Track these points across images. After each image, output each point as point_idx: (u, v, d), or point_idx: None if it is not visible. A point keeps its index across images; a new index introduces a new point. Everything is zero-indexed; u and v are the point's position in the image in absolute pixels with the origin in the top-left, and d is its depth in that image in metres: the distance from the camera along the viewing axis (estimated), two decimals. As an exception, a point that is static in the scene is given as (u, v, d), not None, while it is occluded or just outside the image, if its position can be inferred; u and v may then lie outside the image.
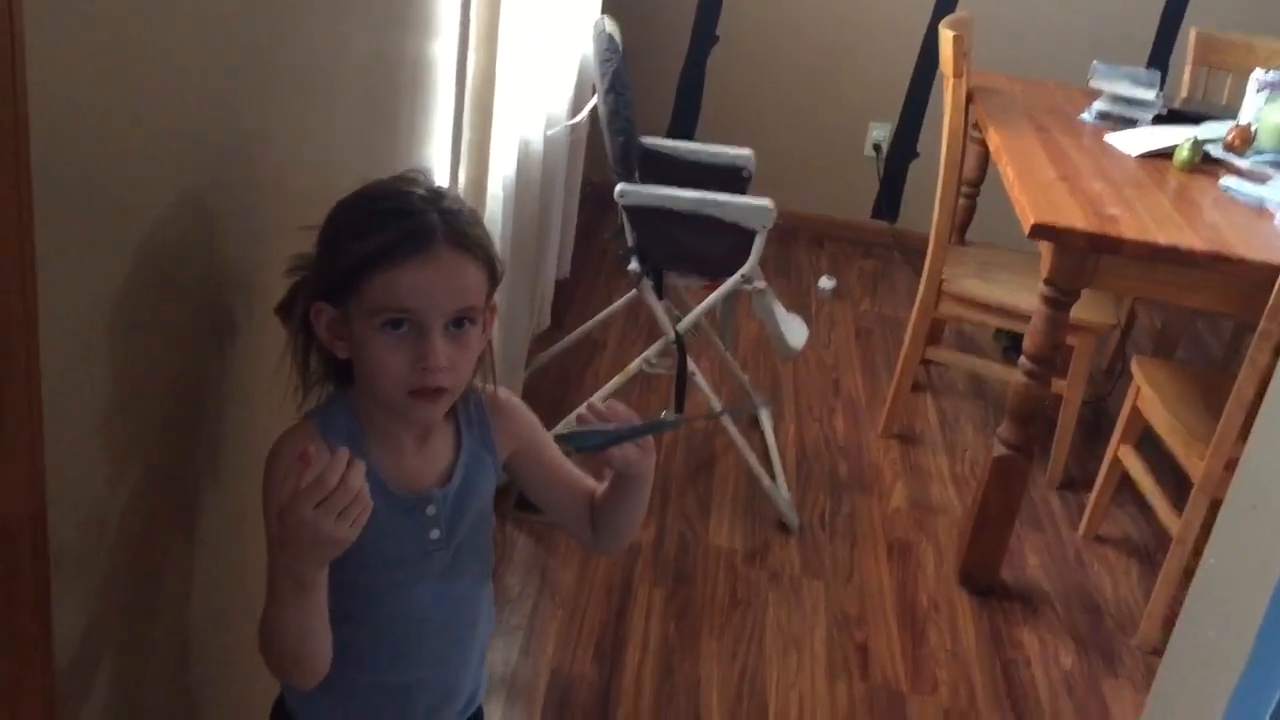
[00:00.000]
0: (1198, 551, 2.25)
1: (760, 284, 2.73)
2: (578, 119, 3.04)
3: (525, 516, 2.57)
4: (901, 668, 2.36)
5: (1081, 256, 2.33)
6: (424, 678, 1.21)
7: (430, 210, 1.08)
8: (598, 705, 2.15)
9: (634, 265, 2.74)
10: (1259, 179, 2.73)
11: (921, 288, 3.07)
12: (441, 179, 1.96)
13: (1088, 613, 2.61)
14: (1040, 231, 2.28)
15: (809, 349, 3.22)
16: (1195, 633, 1.29)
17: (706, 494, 2.82)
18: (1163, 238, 2.29)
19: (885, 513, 2.87)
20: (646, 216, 2.67)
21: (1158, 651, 2.47)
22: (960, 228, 3.39)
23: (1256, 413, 1.33)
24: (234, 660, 1.31)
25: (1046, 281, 2.39)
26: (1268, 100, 2.97)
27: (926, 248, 3.05)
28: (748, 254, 2.66)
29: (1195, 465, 2.40)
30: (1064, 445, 3.06)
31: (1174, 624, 1.38)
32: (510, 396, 1.27)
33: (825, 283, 4.11)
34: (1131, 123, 3.09)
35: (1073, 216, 2.32)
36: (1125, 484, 2.81)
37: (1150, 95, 3.12)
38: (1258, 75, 3.04)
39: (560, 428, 2.50)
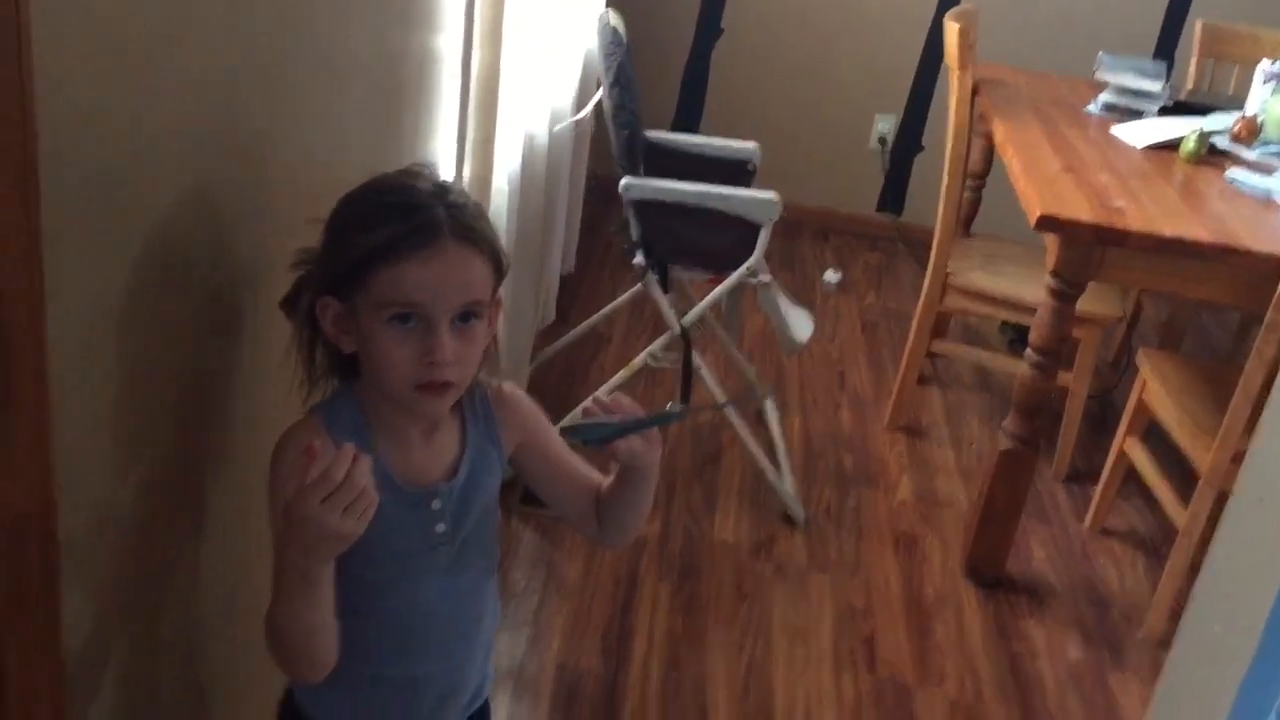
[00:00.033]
0: (1204, 544, 2.24)
1: (765, 277, 2.72)
2: (583, 114, 3.04)
3: (531, 511, 2.58)
4: (908, 660, 2.36)
5: (1087, 248, 2.32)
6: (430, 671, 1.22)
7: (436, 204, 1.08)
8: (604, 699, 2.15)
9: (639, 259, 2.74)
10: (1265, 170, 2.73)
11: (927, 280, 3.06)
12: (447, 174, 1.96)
13: (1094, 605, 2.61)
14: (1046, 223, 2.28)
15: (814, 342, 3.22)
16: (1203, 625, 1.29)
17: (712, 488, 2.82)
18: (1169, 229, 2.29)
19: (891, 506, 2.87)
20: (651, 210, 2.67)
21: (1164, 644, 2.46)
22: (965, 220, 3.39)
23: (1263, 405, 1.32)
24: (242, 653, 1.31)
25: (1052, 274, 2.38)
26: (1274, 91, 2.96)
27: (931, 241, 3.05)
28: (753, 247, 2.66)
29: (1201, 458, 2.39)
30: (1070, 438, 3.06)
31: (1181, 616, 1.38)
32: (515, 390, 1.27)
33: (830, 276, 4.11)
34: (1137, 114, 3.08)
35: (1079, 208, 2.32)
36: (1131, 477, 2.81)
37: (1156, 87, 3.11)
38: (1264, 66, 3.03)
39: (566, 421, 2.50)
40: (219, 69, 1.11)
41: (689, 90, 4.46)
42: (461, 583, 1.21)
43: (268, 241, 1.22)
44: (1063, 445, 3.07)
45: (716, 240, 2.72)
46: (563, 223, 3.24)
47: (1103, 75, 3.18)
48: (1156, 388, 2.61)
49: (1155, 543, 2.85)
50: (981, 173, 3.37)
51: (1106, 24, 4.16)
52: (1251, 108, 3.00)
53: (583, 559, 2.50)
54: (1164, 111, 3.10)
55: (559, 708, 2.12)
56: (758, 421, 3.05)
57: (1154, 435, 2.71)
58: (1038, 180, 2.46)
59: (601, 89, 2.73)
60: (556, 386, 3.06)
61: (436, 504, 1.16)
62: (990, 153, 3.30)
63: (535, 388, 2.84)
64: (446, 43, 1.89)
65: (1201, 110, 3.09)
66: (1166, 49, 4.21)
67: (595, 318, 3.17)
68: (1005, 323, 3.60)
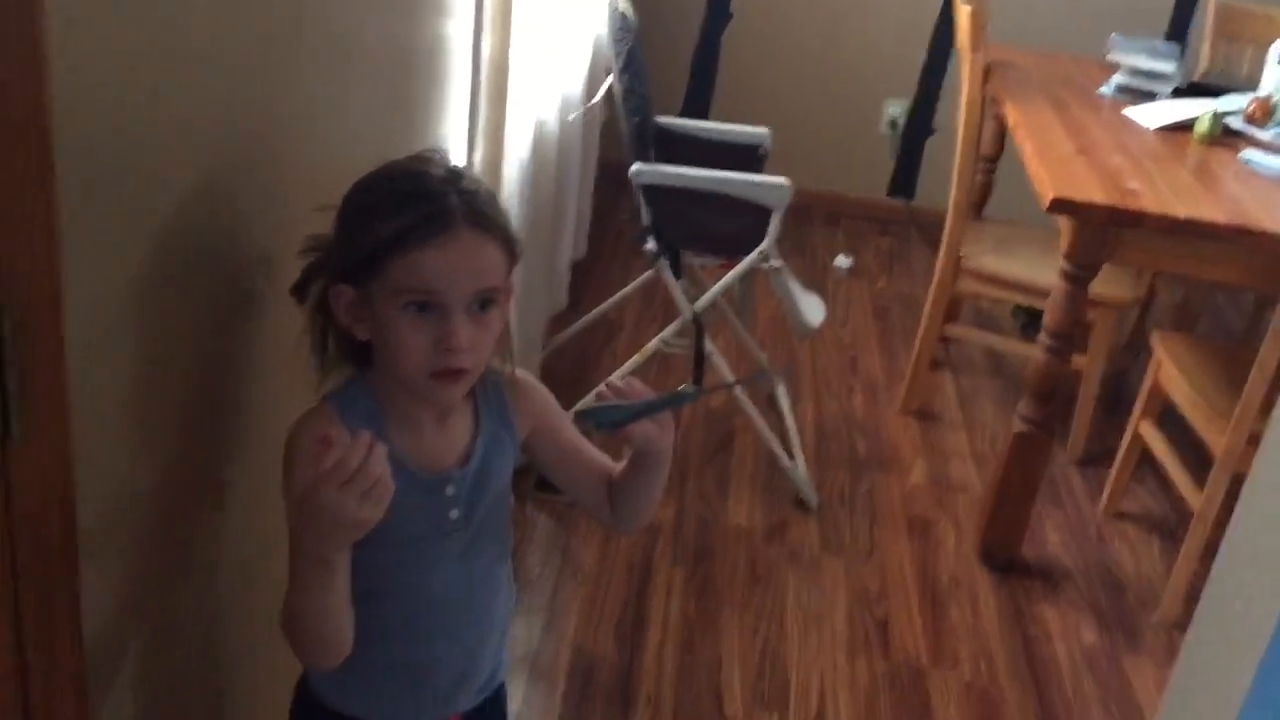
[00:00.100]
0: (1219, 526, 2.24)
1: (777, 262, 2.72)
2: (594, 101, 3.04)
3: (545, 497, 2.58)
4: (922, 644, 2.36)
5: (1101, 231, 2.31)
6: (444, 656, 1.22)
7: (449, 191, 1.08)
8: (619, 684, 2.16)
9: (650, 245, 2.74)
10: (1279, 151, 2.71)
11: (939, 264, 3.06)
12: (457, 161, 1.96)
13: (1109, 589, 2.61)
14: (1060, 206, 2.27)
15: (826, 327, 3.21)
16: (1220, 606, 1.28)
17: (725, 473, 2.83)
18: (1183, 211, 2.28)
19: (905, 490, 2.87)
20: (662, 196, 2.66)
21: (1179, 627, 2.46)
22: (978, 204, 3.37)
23: (1279, 386, 1.32)
24: (259, 638, 1.32)
25: (1066, 257, 2.37)
26: (1288, 71, 2.94)
27: (943, 225, 3.04)
28: (764, 233, 2.65)
29: (1217, 440, 2.38)
30: (1084, 421, 3.05)
31: (1196, 600, 1.38)
32: (528, 377, 1.27)
33: (842, 261, 4.10)
34: (1150, 96, 3.06)
35: (1092, 190, 2.31)
36: (1146, 460, 2.80)
37: (1169, 68, 3.10)
38: (1278, 47, 3.01)
39: (579, 406, 2.51)
40: (231, 58, 1.11)
41: (699, 76, 4.45)
42: (475, 568, 1.21)
43: (281, 228, 1.22)
44: (1077, 428, 3.06)
45: (728, 226, 2.71)
46: (574, 209, 3.24)
47: (1115, 57, 3.16)
48: (1171, 370, 2.60)
49: (1170, 526, 2.84)
50: (993, 156, 3.35)
51: (1119, 5, 4.13)
52: (1265, 88, 2.98)
53: (597, 544, 2.51)
54: (1177, 93, 3.08)
55: (574, 692, 2.12)
56: (770, 407, 3.05)
57: (1168, 418, 2.70)
58: (1051, 163, 2.45)
59: (611, 75, 2.72)
60: (568, 373, 3.06)
61: (450, 490, 1.17)
62: (1002, 135, 3.29)
63: (547, 374, 2.84)
64: (456, 29, 1.89)
65: (1215, 91, 3.07)
66: (1179, 30, 4.18)
67: (607, 304, 3.17)
68: (1018, 306, 3.59)
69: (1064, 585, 2.60)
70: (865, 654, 2.31)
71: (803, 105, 4.39)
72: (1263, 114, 2.86)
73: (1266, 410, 2.25)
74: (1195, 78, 3.26)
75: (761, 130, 3.00)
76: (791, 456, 2.80)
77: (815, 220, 4.42)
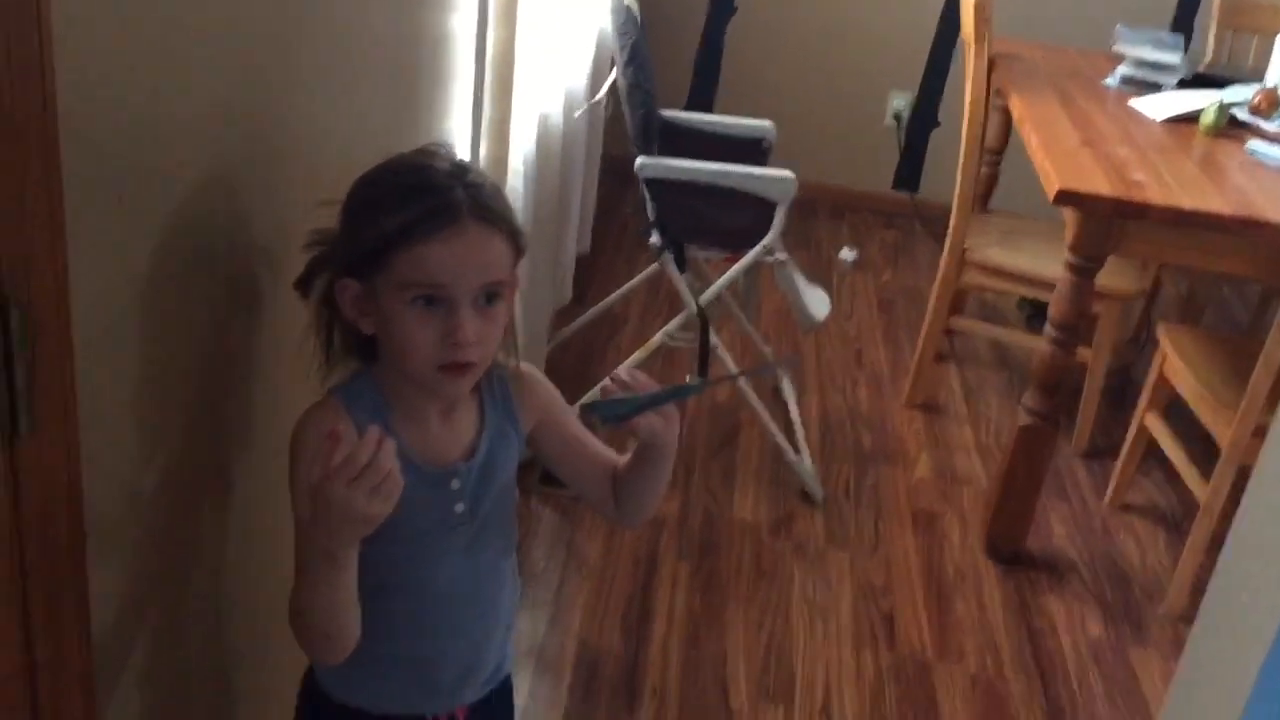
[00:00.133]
0: (1225, 519, 2.24)
1: (782, 255, 2.72)
2: (600, 95, 3.03)
3: (550, 491, 2.58)
4: (928, 637, 2.36)
5: (1107, 222, 2.31)
6: (449, 649, 1.22)
7: (455, 185, 1.08)
8: (625, 677, 2.16)
9: (655, 239, 2.74)
10: (1286, 142, 2.70)
11: (944, 256, 3.05)
12: (463, 155, 1.96)
13: (1115, 581, 2.60)
14: (1065, 198, 2.27)
15: (831, 320, 3.22)
16: (1228, 597, 1.28)
17: (730, 467, 2.83)
18: (1189, 202, 2.27)
19: (910, 483, 2.87)
20: (667, 189, 2.66)
21: (1185, 619, 2.46)
22: (983, 196, 3.37)
23: (1287, 377, 1.31)
24: (267, 631, 1.32)
25: (1071, 248, 2.37)
26: (1294, 62, 2.93)
27: (948, 218, 3.03)
28: (769, 226, 2.65)
29: (1223, 432, 2.38)
30: (1089, 414, 3.05)
31: (1202, 592, 1.38)
32: (532, 370, 1.27)
33: (846, 254, 4.09)
34: (1156, 87, 3.06)
35: (1097, 182, 2.30)
36: (1151, 452, 2.80)
37: (1175, 59, 3.09)
38: (1284, 37, 3.01)
39: (585, 399, 2.51)
40: (235, 51, 1.11)
41: (703, 69, 4.44)
42: (480, 562, 1.21)
43: (284, 224, 1.22)
44: (1082, 421, 3.06)
45: (733, 219, 2.71)
46: (578, 203, 3.24)
47: (1120, 48, 3.15)
48: (1177, 362, 2.59)
49: (1176, 518, 2.84)
50: (998, 148, 3.35)
51: (1124, -4, 4.12)
52: (1271, 79, 2.97)
53: (602, 538, 2.51)
54: (1183, 84, 3.07)
55: (580, 685, 2.13)
56: (775, 400, 3.05)
57: (1174, 410, 2.70)
58: (1056, 154, 2.44)
59: (616, 68, 2.72)
60: (573, 367, 3.07)
61: (456, 484, 1.17)
62: (1007, 128, 3.29)
63: (552, 368, 2.84)
64: (461, 23, 1.89)
65: (1220, 82, 3.06)
66: (1184, 21, 4.17)
67: (612, 298, 3.17)
68: (1023, 299, 3.58)
69: (1069, 578, 2.60)
70: (871, 647, 2.32)
71: (807, 98, 4.38)
72: (1268, 105, 2.85)
73: (1272, 402, 2.25)
74: (1200, 69, 3.25)
75: (766, 123, 2.99)
76: (797, 450, 2.80)
77: (820, 213, 4.42)
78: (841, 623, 2.37)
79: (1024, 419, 2.52)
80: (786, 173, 2.63)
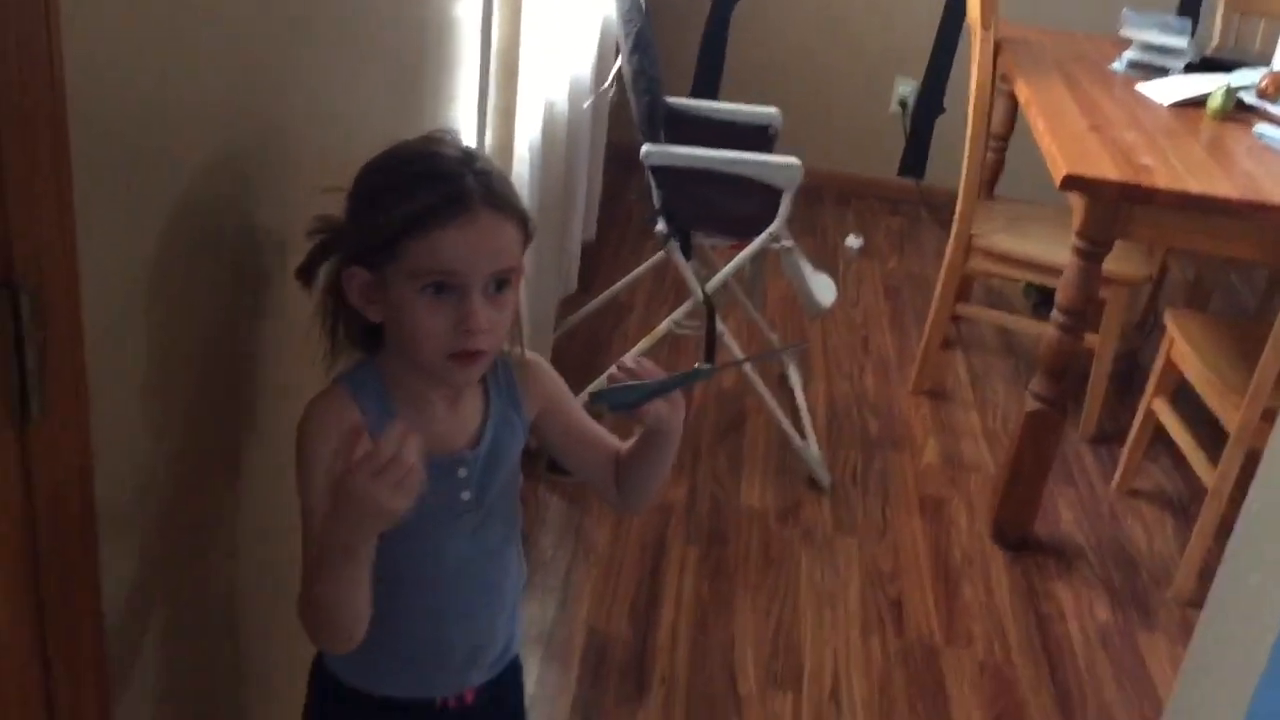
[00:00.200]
0: (1233, 503, 2.24)
1: (788, 242, 2.71)
2: (608, 84, 3.03)
3: (558, 478, 2.59)
4: (936, 622, 2.37)
5: (1114, 207, 2.30)
6: (456, 634, 1.23)
7: (465, 172, 1.07)
8: (634, 663, 2.16)
9: (661, 226, 2.73)
10: (1294, 126, 2.69)
11: (950, 243, 3.05)
12: (469, 143, 1.96)
13: (1122, 566, 2.60)
14: (1072, 182, 2.26)
15: (837, 307, 3.21)
16: (1237, 581, 1.28)
17: (737, 453, 2.83)
18: (1197, 187, 2.26)
19: (917, 469, 2.87)
20: (673, 177, 2.66)
21: (1193, 604, 2.46)
22: (989, 182, 3.36)
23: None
24: (278, 615, 1.32)
25: (1079, 233, 2.36)
26: (1302, 45, 2.92)
27: (954, 204, 3.03)
28: (775, 213, 2.65)
29: (1231, 416, 2.38)
30: (1097, 399, 3.04)
31: (1209, 577, 1.38)
32: (536, 358, 1.27)
33: (852, 241, 4.09)
34: (1163, 71, 3.04)
35: (1105, 167, 2.30)
36: (1158, 437, 2.80)
37: (1181, 43, 3.08)
38: (1292, 20, 2.99)
39: (592, 388, 2.51)
40: (242, 37, 1.11)
41: (708, 56, 4.43)
42: (486, 548, 1.22)
43: (292, 210, 1.22)
44: (1089, 407, 3.05)
45: (739, 206, 2.71)
46: (583, 191, 3.24)
47: (1127, 32, 3.14)
48: (1184, 347, 2.59)
49: (1183, 503, 2.84)
50: (1004, 134, 3.34)
51: (1130, -19, 4.10)
52: (1278, 63, 2.96)
53: (611, 525, 2.51)
54: (1190, 68, 3.06)
55: (588, 672, 2.13)
56: (781, 387, 3.05)
57: (1181, 395, 2.69)
58: (1063, 139, 2.44)
59: (621, 55, 2.71)
60: (579, 355, 3.07)
61: (462, 472, 1.17)
62: (1013, 113, 3.28)
63: (558, 357, 2.84)
64: (467, 9, 1.89)
65: (1228, 66, 3.05)
66: (1191, 4, 4.15)
67: (617, 286, 3.17)
68: (1029, 285, 3.58)
69: (1077, 563, 2.60)
70: (879, 633, 2.32)
71: (812, 85, 4.37)
72: (1276, 89, 2.84)
73: (1281, 386, 2.25)
74: (1208, 53, 3.24)
75: (772, 110, 2.99)
76: (804, 436, 2.80)
77: (825, 200, 4.41)
78: (849, 608, 2.37)
79: (1031, 405, 2.51)
80: (793, 159, 2.62)
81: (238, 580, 1.29)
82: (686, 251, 2.77)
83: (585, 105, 2.76)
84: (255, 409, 1.26)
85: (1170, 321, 2.69)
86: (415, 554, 1.17)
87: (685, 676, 2.15)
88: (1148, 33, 3.10)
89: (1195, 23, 3.56)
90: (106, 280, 0.91)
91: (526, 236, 1.13)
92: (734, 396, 3.03)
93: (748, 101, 3.08)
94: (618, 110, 3.20)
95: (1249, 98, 2.83)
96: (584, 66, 2.91)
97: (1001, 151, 3.37)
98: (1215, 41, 3.53)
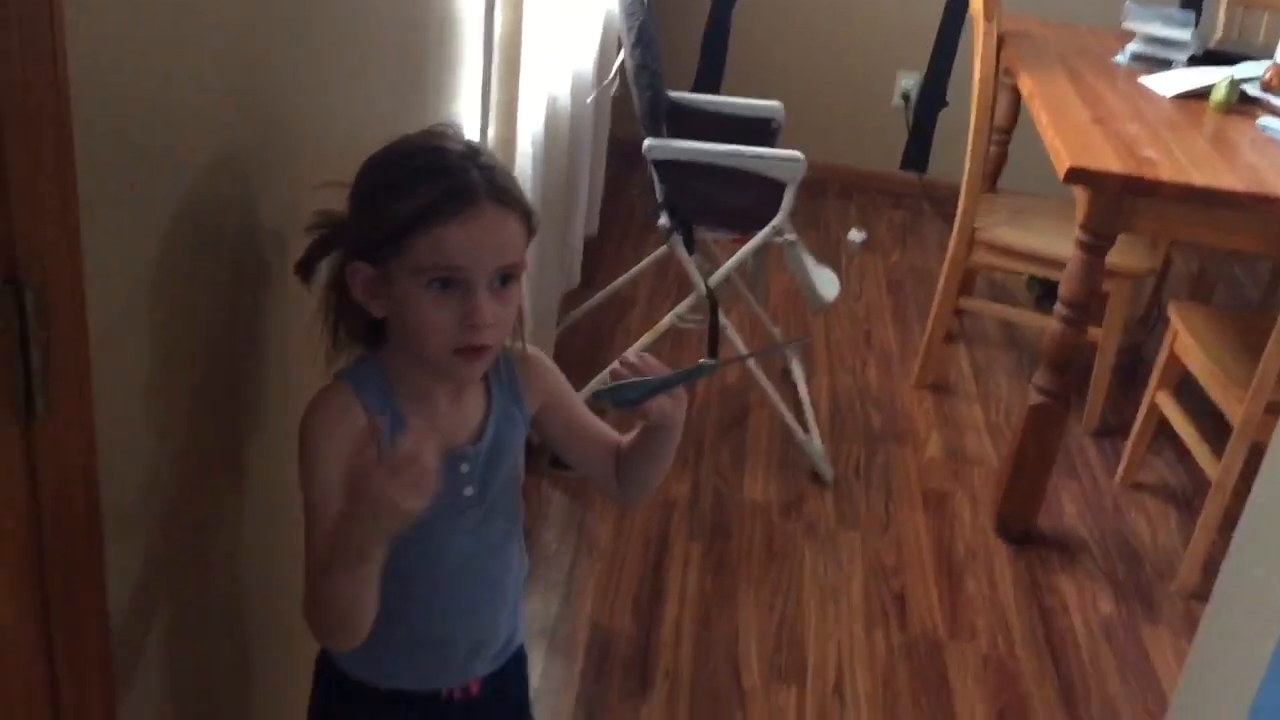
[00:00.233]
0: (1237, 496, 2.24)
1: (790, 236, 2.71)
2: (610, 79, 3.02)
3: (560, 474, 2.59)
4: (939, 616, 2.37)
5: (1118, 200, 2.30)
6: (460, 628, 1.23)
7: (469, 167, 1.07)
8: (637, 657, 2.17)
9: (664, 220, 2.73)
10: (1298, 118, 2.69)
11: (954, 236, 3.04)
12: (472, 137, 1.95)
13: (1126, 559, 2.60)
14: (1076, 175, 2.26)
15: (840, 301, 3.21)
16: (1243, 572, 1.28)
17: (740, 448, 2.83)
18: (1200, 179, 2.26)
19: (920, 463, 2.87)
20: (675, 171, 2.66)
21: (1197, 597, 2.46)
22: (992, 175, 3.35)
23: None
24: (283, 611, 1.32)
25: (1082, 226, 2.36)
26: (1306, 37, 2.91)
27: (956, 198, 3.02)
28: (777, 207, 2.64)
29: (1234, 409, 2.38)
30: (1100, 392, 3.04)
31: (1213, 570, 1.38)
32: (537, 353, 1.27)
33: (855, 235, 4.08)
34: (1166, 64, 3.04)
35: (1108, 159, 2.29)
36: (1162, 430, 2.79)
37: (1185, 35, 3.07)
38: (1296, 12, 2.98)
39: (595, 384, 2.51)
40: (244, 36, 1.10)
41: (710, 50, 4.42)
42: (488, 543, 1.22)
43: (294, 206, 1.22)
44: (1092, 400, 3.05)
45: (741, 200, 2.71)
46: (586, 185, 3.24)
47: (1130, 25, 3.14)
48: (1187, 340, 2.58)
49: (1187, 496, 2.84)
50: (1007, 127, 3.33)
51: (1133, -27, 4.09)
52: (1283, 55, 2.95)
53: (613, 520, 2.51)
54: (1193, 60, 3.05)
55: (592, 667, 2.13)
56: (784, 381, 3.05)
57: (1185, 388, 2.69)
58: (1066, 132, 2.43)
59: (623, 50, 2.71)
60: (582, 350, 3.06)
61: (465, 467, 1.17)
62: (1016, 106, 3.27)
63: (561, 352, 2.84)
64: (468, 4, 1.88)
65: (1231, 59, 3.04)
66: (1194, -3, 4.14)
67: (620, 281, 3.16)
68: (1032, 278, 3.57)
69: (1081, 556, 2.60)
70: (882, 627, 2.32)
71: (814, 78, 4.36)
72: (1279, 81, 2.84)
73: (1285, 379, 2.24)
74: (1211, 45, 3.23)
75: (774, 104, 2.98)
76: (806, 431, 2.80)
77: (828, 194, 4.40)
78: (853, 602, 2.37)
79: (1034, 398, 2.51)
80: (796, 153, 2.62)
81: (241, 578, 1.29)
82: (689, 246, 2.76)
83: (588, 100, 2.75)
84: (258, 407, 1.26)
85: (1174, 314, 2.68)
86: (418, 550, 1.17)
87: (689, 671, 2.15)
88: (1151, 25, 3.10)
89: (1198, 15, 3.55)
90: (110, 279, 0.91)
91: (530, 231, 1.12)
92: (737, 391, 3.03)
93: (750, 95, 3.07)
94: (620, 105, 3.19)
95: (1253, 90, 2.82)
96: (586, 61, 2.91)
97: (1004, 145, 3.37)
98: (1219, 34, 3.53)
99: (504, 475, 1.21)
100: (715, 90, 4.26)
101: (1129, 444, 2.86)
